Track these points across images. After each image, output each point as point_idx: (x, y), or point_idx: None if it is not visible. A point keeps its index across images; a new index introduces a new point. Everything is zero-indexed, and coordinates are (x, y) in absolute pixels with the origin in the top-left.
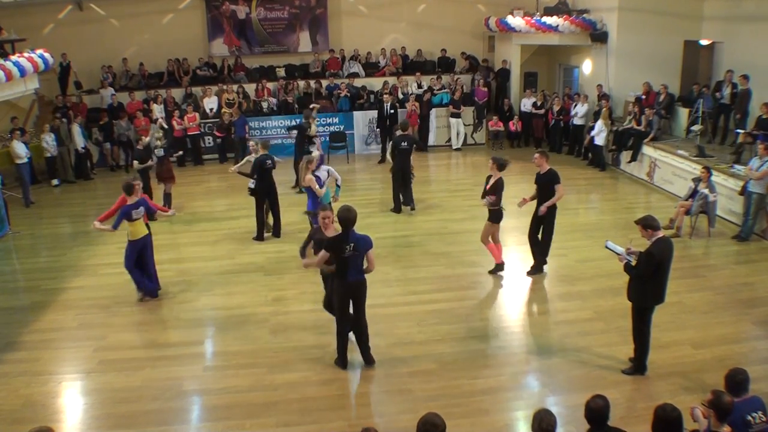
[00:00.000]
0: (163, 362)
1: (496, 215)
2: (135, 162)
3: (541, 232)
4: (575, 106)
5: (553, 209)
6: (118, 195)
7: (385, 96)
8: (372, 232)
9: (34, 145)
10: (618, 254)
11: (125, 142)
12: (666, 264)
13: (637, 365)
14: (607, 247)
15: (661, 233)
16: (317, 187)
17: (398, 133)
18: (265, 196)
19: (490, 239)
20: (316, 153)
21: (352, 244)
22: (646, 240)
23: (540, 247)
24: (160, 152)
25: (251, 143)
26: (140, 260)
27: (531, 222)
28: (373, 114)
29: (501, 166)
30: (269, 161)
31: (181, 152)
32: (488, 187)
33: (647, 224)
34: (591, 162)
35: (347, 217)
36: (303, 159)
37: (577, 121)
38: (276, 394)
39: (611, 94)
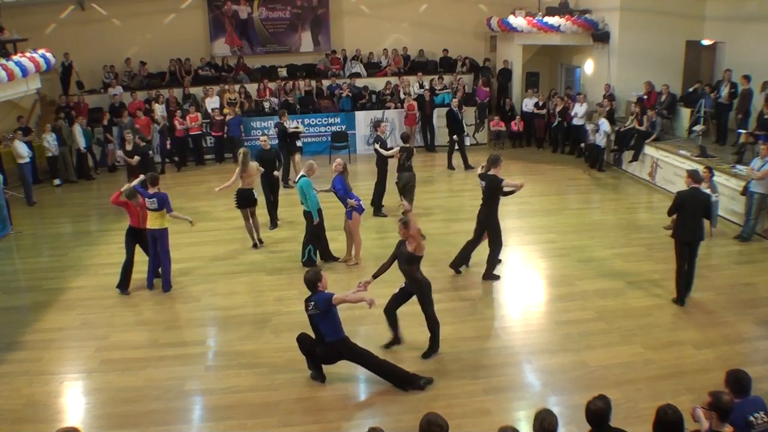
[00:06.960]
0: (164, 362)
1: None
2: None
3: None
4: (574, 106)
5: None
6: None
7: (453, 101)
8: (375, 232)
9: (36, 145)
10: None
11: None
12: (686, 208)
13: (677, 297)
14: None
15: (698, 186)
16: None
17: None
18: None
19: None
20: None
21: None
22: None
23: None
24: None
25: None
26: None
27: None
28: (375, 114)
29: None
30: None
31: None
32: None
33: (690, 173)
34: (592, 163)
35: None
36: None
37: (576, 121)
38: (277, 394)
39: (613, 94)
